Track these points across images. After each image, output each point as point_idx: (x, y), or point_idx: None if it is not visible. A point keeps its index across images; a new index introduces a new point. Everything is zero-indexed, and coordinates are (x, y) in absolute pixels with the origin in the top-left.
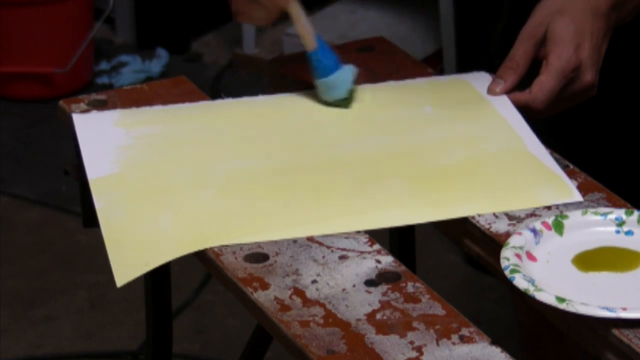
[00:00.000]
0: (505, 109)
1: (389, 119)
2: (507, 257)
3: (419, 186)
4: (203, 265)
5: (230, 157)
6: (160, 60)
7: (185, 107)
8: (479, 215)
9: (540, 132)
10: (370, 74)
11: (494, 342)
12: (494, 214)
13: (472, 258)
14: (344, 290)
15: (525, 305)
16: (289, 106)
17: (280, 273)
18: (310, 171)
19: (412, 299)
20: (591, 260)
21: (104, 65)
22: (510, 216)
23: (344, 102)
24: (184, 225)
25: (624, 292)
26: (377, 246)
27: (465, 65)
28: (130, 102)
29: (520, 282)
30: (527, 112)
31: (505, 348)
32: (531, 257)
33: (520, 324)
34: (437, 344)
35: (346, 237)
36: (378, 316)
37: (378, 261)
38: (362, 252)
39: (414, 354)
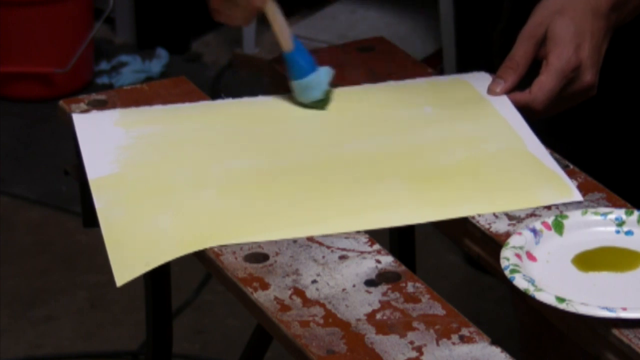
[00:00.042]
0: (505, 109)
1: (389, 119)
2: (507, 257)
3: (419, 186)
4: (203, 265)
5: (230, 157)
6: (160, 60)
7: (185, 107)
8: (479, 215)
9: (540, 132)
10: (370, 74)
11: (494, 342)
12: (494, 214)
13: (472, 258)
14: (344, 290)
15: (525, 305)
16: (289, 106)
17: (280, 273)
18: (310, 171)
19: (412, 299)
20: (591, 260)
21: (104, 65)
22: (510, 216)
23: (320, 104)
24: (184, 225)
25: (624, 292)
26: (377, 246)
27: (465, 65)
28: (130, 102)
29: (520, 282)
30: (527, 112)
31: (505, 348)
32: (531, 257)
33: (520, 324)
34: (437, 344)
35: (346, 237)
36: (378, 316)
37: (378, 261)
38: (362, 252)
39: (414, 354)
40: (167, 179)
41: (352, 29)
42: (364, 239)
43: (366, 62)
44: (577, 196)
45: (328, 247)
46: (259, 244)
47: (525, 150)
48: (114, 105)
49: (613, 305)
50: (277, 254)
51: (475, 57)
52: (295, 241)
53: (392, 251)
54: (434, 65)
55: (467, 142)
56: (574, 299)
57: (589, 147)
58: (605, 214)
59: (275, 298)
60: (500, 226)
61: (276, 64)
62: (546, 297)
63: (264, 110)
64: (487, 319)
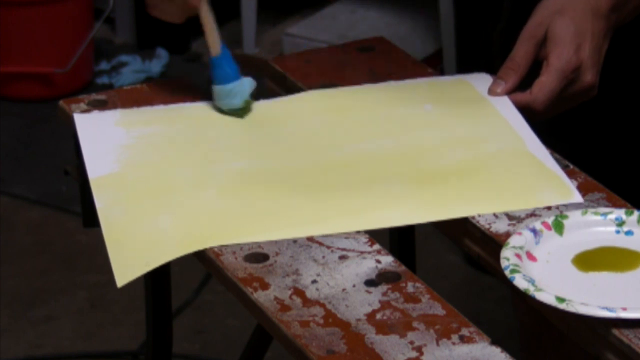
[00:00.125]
0: (505, 109)
1: (389, 119)
2: (507, 257)
3: (419, 186)
4: (203, 265)
5: (230, 158)
6: (160, 60)
7: (185, 107)
8: (479, 215)
9: (540, 132)
10: (370, 74)
11: (494, 342)
12: (494, 214)
13: (472, 258)
14: (344, 290)
15: (525, 305)
16: (289, 107)
17: (280, 273)
18: (311, 171)
19: (412, 299)
20: (591, 260)
21: (104, 65)
22: (510, 216)
23: (239, 112)
24: (184, 225)
25: (624, 292)
26: (377, 246)
27: (465, 65)
28: (130, 102)
29: (520, 282)
30: (528, 112)
31: (505, 348)
32: (531, 257)
33: (520, 324)
34: (437, 344)
35: (346, 237)
36: (378, 316)
37: (378, 261)
38: (362, 252)
39: (414, 354)
40: (168, 179)
41: (352, 29)
42: (364, 239)
43: (366, 62)
44: (578, 197)
45: (328, 247)
46: (259, 244)
47: (526, 150)
48: (114, 105)
49: (613, 305)
50: (277, 254)
51: (475, 57)
52: (295, 241)
53: (392, 251)
54: (434, 65)
55: (468, 143)
56: (574, 299)
57: (589, 147)
58: (605, 214)
59: (275, 298)
60: (500, 226)
61: (276, 64)
62: (546, 297)
63: (264, 111)
64: (487, 319)
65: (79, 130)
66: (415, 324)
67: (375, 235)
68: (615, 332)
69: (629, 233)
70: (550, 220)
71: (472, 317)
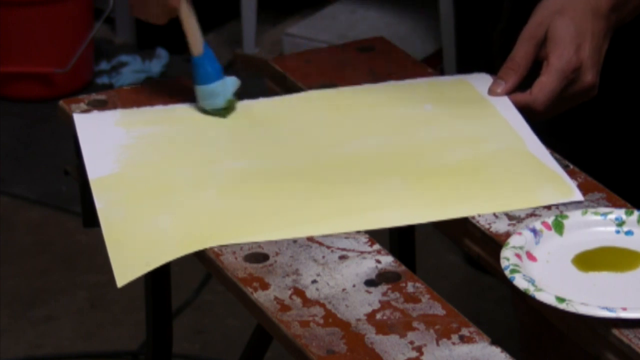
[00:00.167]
0: (506, 109)
1: (389, 119)
2: (507, 257)
3: (419, 186)
4: (203, 265)
5: (230, 158)
6: (160, 60)
7: (186, 107)
8: (479, 215)
9: (540, 132)
10: (370, 74)
11: (494, 342)
12: (494, 214)
13: (472, 258)
14: (344, 290)
15: (525, 305)
16: (289, 106)
17: (280, 273)
18: (311, 171)
19: (412, 299)
20: (591, 260)
21: (104, 65)
22: (510, 216)
23: (221, 112)
24: (185, 225)
25: (624, 292)
26: (377, 246)
27: (465, 65)
28: (130, 102)
29: (520, 282)
30: (528, 112)
31: (505, 348)
32: (531, 257)
33: (520, 324)
34: (437, 344)
35: (346, 237)
36: (378, 316)
37: (378, 261)
38: (362, 252)
39: (414, 354)
40: (168, 179)
41: (352, 29)
42: (364, 239)
43: (366, 62)
44: (578, 196)
45: (328, 247)
46: (259, 244)
47: (526, 150)
48: (114, 105)
49: (613, 305)
50: (277, 254)
51: (475, 57)
52: (295, 241)
53: (392, 251)
54: (434, 65)
55: (468, 142)
56: (574, 299)
57: (589, 147)
58: (605, 214)
59: (275, 298)
60: (500, 226)
61: (276, 64)
62: (546, 297)
63: (264, 111)
64: (487, 319)
65: (78, 130)
66: (415, 324)
67: (375, 235)
68: (615, 332)
69: (629, 233)
70: (550, 220)
71: (472, 317)
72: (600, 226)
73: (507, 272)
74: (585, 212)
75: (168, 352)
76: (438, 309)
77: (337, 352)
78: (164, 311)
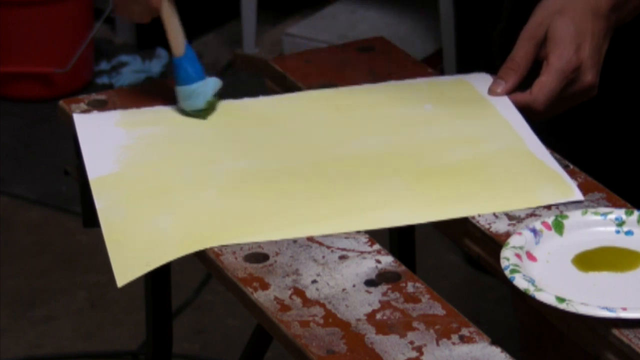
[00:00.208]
0: (506, 109)
1: (389, 119)
2: (507, 257)
3: (419, 186)
4: (203, 265)
5: (230, 158)
6: (160, 60)
7: None
8: (479, 215)
9: (540, 132)
10: (370, 74)
11: (494, 342)
12: (494, 214)
13: (472, 258)
14: (344, 290)
15: (525, 305)
16: (289, 106)
17: (280, 273)
18: (311, 171)
19: (412, 299)
20: (591, 260)
21: (104, 65)
22: (510, 216)
23: (201, 113)
24: (185, 225)
25: (624, 292)
26: (377, 246)
27: (465, 65)
28: (130, 102)
29: (520, 282)
30: (528, 112)
31: (505, 348)
32: (531, 257)
33: (520, 324)
34: (437, 344)
35: (346, 237)
36: (378, 316)
37: (378, 261)
38: (362, 252)
39: (414, 354)
40: (168, 179)
41: (352, 29)
42: (364, 239)
43: (366, 62)
44: (578, 195)
45: (328, 247)
46: (259, 244)
47: (526, 150)
48: (114, 106)
49: (613, 305)
50: (277, 254)
51: (475, 57)
52: (295, 241)
53: (392, 251)
54: (434, 65)
55: (468, 142)
56: (574, 299)
57: (589, 147)
58: (605, 214)
59: (275, 298)
60: (500, 226)
61: (276, 64)
62: (546, 297)
63: (264, 111)
64: (487, 319)
65: (78, 130)
66: (415, 324)
67: (375, 235)
68: (615, 332)
69: (629, 233)
70: (550, 220)
71: (472, 317)
72: (600, 226)
73: (507, 272)
74: (585, 212)
75: (168, 352)
76: (438, 309)
77: (337, 352)
78: (164, 311)
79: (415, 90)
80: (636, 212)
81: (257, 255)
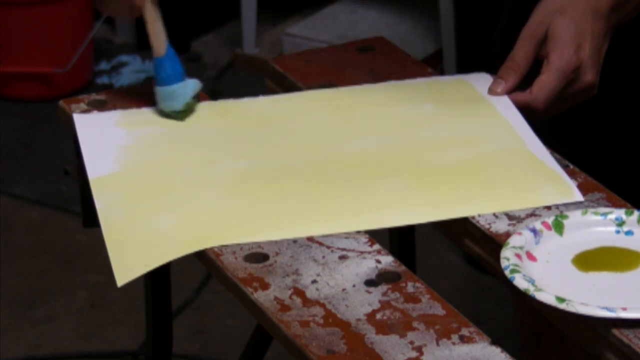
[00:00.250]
0: (506, 109)
1: (389, 119)
2: (507, 257)
3: (419, 186)
4: (203, 265)
5: (230, 158)
6: None
7: None
8: (479, 215)
9: (540, 132)
10: (370, 74)
11: (494, 342)
12: (494, 214)
13: (472, 258)
14: (344, 290)
15: (525, 305)
16: (289, 106)
17: (280, 273)
18: (311, 171)
19: (412, 299)
20: (591, 260)
21: (104, 65)
22: (510, 216)
23: (179, 115)
24: (185, 225)
25: (624, 292)
26: (377, 246)
27: (465, 65)
28: (130, 102)
29: (520, 282)
30: (528, 112)
31: (505, 348)
32: (531, 257)
33: (520, 324)
34: (437, 344)
35: (346, 237)
36: (378, 316)
37: (378, 261)
38: (362, 252)
39: (414, 354)
40: (168, 179)
41: (352, 29)
42: (364, 239)
43: (366, 62)
44: (578, 196)
45: (328, 247)
46: (259, 244)
47: (526, 150)
48: (114, 106)
49: (613, 305)
50: (277, 254)
51: (475, 57)
52: (295, 241)
53: (392, 251)
54: (434, 65)
55: (468, 142)
56: (574, 299)
57: (589, 147)
58: (605, 214)
59: (275, 298)
60: (500, 226)
61: (276, 64)
62: (546, 297)
63: (264, 111)
64: (487, 319)
65: (78, 130)
66: (415, 324)
67: (375, 235)
68: (615, 332)
69: (629, 233)
70: (550, 220)
71: (472, 317)
72: (600, 226)
73: (507, 272)
74: (585, 212)
75: (168, 352)
76: (438, 309)
77: (337, 352)
78: (164, 311)
79: (415, 90)
80: (636, 212)
81: (257, 255)
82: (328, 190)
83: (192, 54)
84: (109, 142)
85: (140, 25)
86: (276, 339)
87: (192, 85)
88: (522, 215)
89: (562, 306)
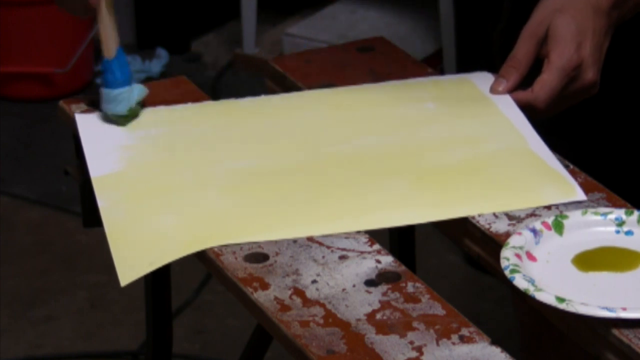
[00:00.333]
0: (507, 108)
1: (390, 118)
2: (507, 257)
3: (420, 186)
4: (203, 265)
5: (231, 157)
6: (160, 60)
7: (186, 107)
8: (479, 215)
9: (542, 131)
10: (370, 74)
11: (494, 342)
12: (494, 214)
13: (472, 258)
14: (344, 290)
15: (525, 305)
16: (289, 106)
17: (280, 273)
18: (311, 171)
19: (412, 299)
20: (591, 260)
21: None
22: (510, 216)
23: (121, 119)
24: (187, 225)
25: (624, 292)
26: (377, 246)
27: (465, 65)
28: None
29: (520, 282)
30: (530, 110)
31: (505, 348)
32: (531, 257)
33: (520, 324)
34: (437, 344)
35: (346, 237)
36: (378, 316)
37: (378, 261)
38: (362, 252)
39: (414, 354)
40: (169, 179)
41: (352, 29)
42: (364, 239)
43: (366, 62)
44: (581, 195)
45: (328, 247)
46: (259, 244)
47: (528, 149)
48: None
49: (613, 305)
50: (277, 254)
51: (475, 57)
52: (295, 241)
53: (392, 251)
54: (434, 65)
55: (469, 141)
56: (574, 299)
57: (590, 146)
58: (605, 214)
59: (275, 298)
60: (500, 226)
61: (276, 64)
62: (546, 297)
63: (264, 111)
64: (487, 319)
65: (80, 130)
66: (415, 324)
67: (375, 235)
68: (615, 332)
69: (629, 233)
70: (550, 220)
71: (472, 317)
72: (600, 226)
73: (507, 272)
74: (585, 212)
75: (168, 352)
76: (438, 309)
77: (337, 352)
78: (164, 311)
79: (416, 90)
80: (636, 212)
81: (257, 255)
82: (328, 191)
83: (192, 54)
84: (111, 141)
85: (140, 25)
86: (276, 339)
87: (137, 91)
88: (522, 215)
89: (562, 306)
